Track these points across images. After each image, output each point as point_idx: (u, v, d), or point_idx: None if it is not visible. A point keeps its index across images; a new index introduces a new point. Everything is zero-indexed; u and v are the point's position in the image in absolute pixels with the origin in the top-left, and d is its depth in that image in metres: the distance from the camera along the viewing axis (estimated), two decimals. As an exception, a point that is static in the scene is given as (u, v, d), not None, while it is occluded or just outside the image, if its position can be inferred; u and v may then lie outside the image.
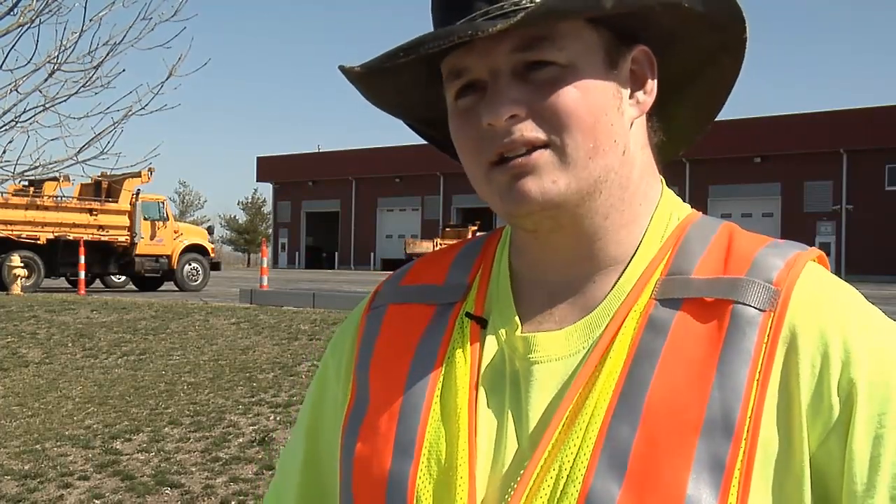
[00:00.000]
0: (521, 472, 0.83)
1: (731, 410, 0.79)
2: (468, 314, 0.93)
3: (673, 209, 0.94)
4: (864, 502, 0.79)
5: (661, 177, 0.96)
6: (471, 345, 0.91)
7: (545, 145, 0.85)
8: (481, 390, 0.89)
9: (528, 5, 0.83)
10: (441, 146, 1.04)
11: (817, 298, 0.84)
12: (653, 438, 0.79)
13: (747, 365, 0.80)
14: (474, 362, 0.90)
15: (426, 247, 40.80)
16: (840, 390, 0.80)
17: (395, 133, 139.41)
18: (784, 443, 0.80)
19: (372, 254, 56.70)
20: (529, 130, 0.85)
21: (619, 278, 0.89)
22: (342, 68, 0.90)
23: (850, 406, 0.80)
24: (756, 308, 0.82)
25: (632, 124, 0.90)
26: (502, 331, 0.91)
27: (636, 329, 0.85)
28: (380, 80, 0.91)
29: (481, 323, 0.92)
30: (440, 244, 39.10)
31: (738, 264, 0.86)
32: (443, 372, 0.90)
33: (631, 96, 0.90)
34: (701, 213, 0.96)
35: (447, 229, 45.65)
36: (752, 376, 0.80)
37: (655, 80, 0.91)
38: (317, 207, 60.87)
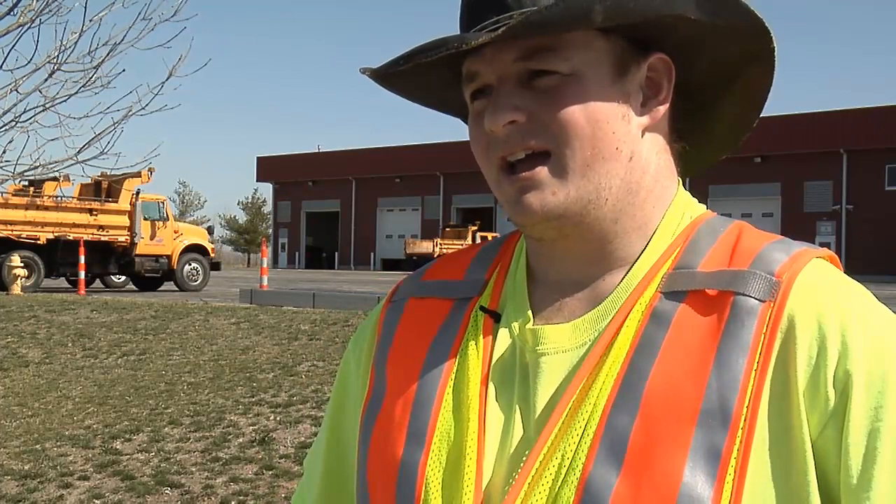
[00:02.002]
0: (525, 459, 0.84)
1: (728, 400, 0.80)
2: (482, 308, 0.95)
3: (686, 209, 0.95)
4: (858, 496, 0.79)
5: (679, 178, 0.97)
6: (483, 338, 0.93)
7: (544, 154, 0.87)
8: (491, 382, 0.91)
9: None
10: None
11: (817, 290, 0.85)
12: (650, 427, 0.80)
13: (745, 355, 0.81)
14: (486, 355, 0.92)
15: (426, 247, 40.82)
16: (836, 381, 0.81)
17: (395, 133, 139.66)
18: (783, 432, 0.81)
19: (372, 254, 56.69)
20: (528, 137, 0.88)
21: (626, 274, 0.91)
22: (362, 70, 0.93)
23: (846, 398, 0.80)
24: (756, 299, 0.84)
25: (644, 130, 0.91)
26: (515, 324, 0.93)
27: (640, 321, 0.86)
28: (404, 82, 0.95)
29: (494, 317, 0.95)
30: (440, 244, 39.16)
31: (742, 258, 0.87)
32: (456, 364, 0.93)
33: (644, 103, 0.91)
34: (715, 213, 0.97)
35: (447, 229, 45.68)
36: (749, 366, 0.81)
37: (671, 88, 0.93)
38: (317, 207, 60.86)
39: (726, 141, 1.04)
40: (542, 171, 0.87)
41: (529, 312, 0.93)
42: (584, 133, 0.86)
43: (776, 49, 0.92)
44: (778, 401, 0.81)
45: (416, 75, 0.92)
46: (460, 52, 0.86)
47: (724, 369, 0.81)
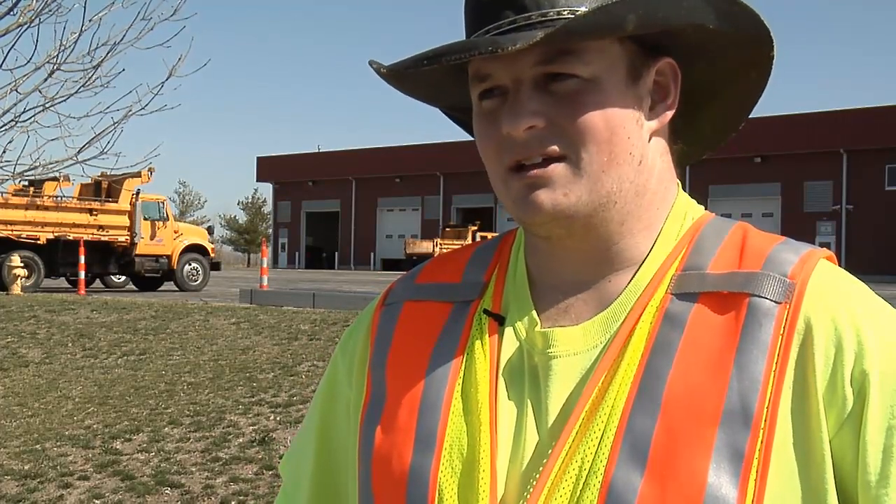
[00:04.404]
0: (543, 464, 0.84)
1: (750, 401, 0.80)
2: (486, 311, 0.94)
3: (687, 210, 0.96)
4: (877, 492, 0.80)
5: (678, 180, 0.98)
6: (489, 341, 0.92)
7: (561, 157, 0.87)
8: (501, 385, 0.90)
9: (555, 17, 0.85)
10: (471, 130, 1.05)
11: (831, 292, 0.86)
12: (672, 429, 0.80)
13: (764, 356, 0.82)
14: (493, 358, 0.91)
15: (426, 247, 40.78)
16: (853, 381, 0.82)
17: (395, 133, 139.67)
18: (802, 432, 0.82)
19: (372, 254, 56.68)
20: (547, 142, 0.87)
21: (633, 276, 0.91)
22: (372, 64, 0.92)
23: (863, 397, 0.81)
24: (772, 300, 0.84)
25: (651, 134, 0.92)
26: (521, 327, 0.93)
27: (653, 323, 0.86)
28: (409, 79, 0.94)
29: (499, 320, 0.94)
30: (440, 244, 39.12)
31: (752, 259, 0.88)
32: (462, 367, 0.92)
33: (652, 108, 0.92)
34: (714, 213, 0.97)
35: (447, 229, 45.66)
36: (769, 367, 0.82)
37: (678, 92, 0.93)
38: (317, 207, 60.84)
39: (712, 140, 1.05)
40: (556, 168, 0.87)
41: (535, 315, 0.93)
42: (603, 138, 0.87)
43: (775, 56, 0.93)
44: (797, 401, 0.82)
45: (423, 72, 0.91)
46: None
47: (745, 370, 0.81)
